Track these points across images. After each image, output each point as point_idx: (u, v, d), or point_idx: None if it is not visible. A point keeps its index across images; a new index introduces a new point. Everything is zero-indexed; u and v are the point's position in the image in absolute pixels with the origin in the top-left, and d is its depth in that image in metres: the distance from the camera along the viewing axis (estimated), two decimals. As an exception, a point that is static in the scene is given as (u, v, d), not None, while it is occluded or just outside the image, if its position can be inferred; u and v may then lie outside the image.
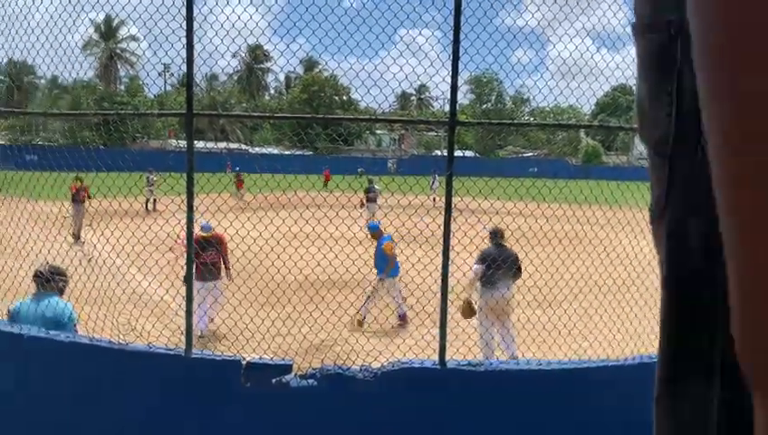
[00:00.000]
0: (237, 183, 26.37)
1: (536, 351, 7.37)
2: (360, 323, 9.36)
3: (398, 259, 9.71)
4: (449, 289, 4.55)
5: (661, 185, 0.78)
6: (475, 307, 7.47)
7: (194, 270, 8.78)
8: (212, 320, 9.10)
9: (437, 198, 22.97)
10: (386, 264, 9.45)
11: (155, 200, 22.45)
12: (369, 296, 9.37)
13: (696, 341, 0.76)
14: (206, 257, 8.82)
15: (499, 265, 7.18)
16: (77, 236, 15.07)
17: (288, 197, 7.27)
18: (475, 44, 4.75)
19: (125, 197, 5.59)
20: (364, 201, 22.53)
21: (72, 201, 15.99)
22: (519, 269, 7.70)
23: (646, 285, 6.52)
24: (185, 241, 4.53)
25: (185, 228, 4.50)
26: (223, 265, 9.37)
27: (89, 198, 15.53)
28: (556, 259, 6.31)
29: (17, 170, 5.71)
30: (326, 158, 52.15)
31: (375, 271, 9.60)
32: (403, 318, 9.49)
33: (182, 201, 4.37)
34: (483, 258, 7.46)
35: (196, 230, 7.74)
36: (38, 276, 5.15)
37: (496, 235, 7.81)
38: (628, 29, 0.85)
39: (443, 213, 4.43)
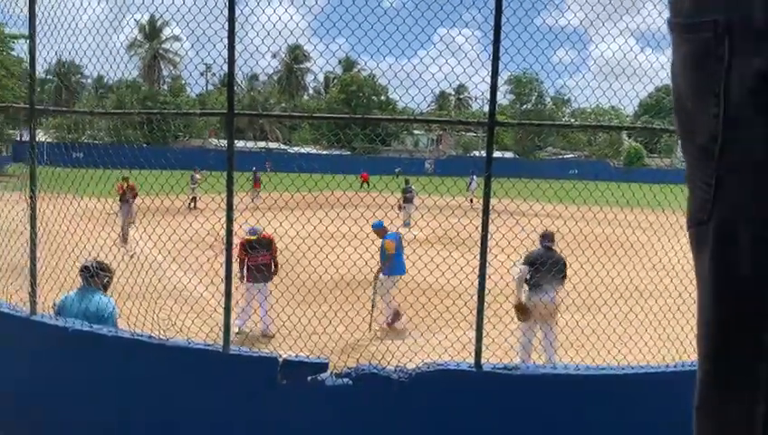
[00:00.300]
0: (255, 183, 26.23)
1: (574, 355, 7.26)
2: (394, 321, 9.39)
3: (404, 258, 9.73)
4: (486, 292, 4.51)
5: (706, 189, 0.76)
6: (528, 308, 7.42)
7: (245, 272, 8.96)
8: (272, 320, 8.88)
9: (475, 200, 22.81)
10: (390, 262, 9.49)
11: (194, 198, 22.85)
12: (385, 296, 9.43)
13: (742, 347, 0.74)
14: (256, 259, 8.90)
15: (548, 268, 7.10)
16: (124, 238, 15.30)
17: (325, 196, 7.32)
18: (515, 44, 4.71)
19: (167, 194, 5.69)
20: (401, 202, 22.50)
21: (120, 201, 15.99)
22: (565, 275, 7.59)
23: (689, 291, 6.36)
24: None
25: (224, 226, 4.56)
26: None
27: (134, 197, 15.76)
28: (596, 263, 6.20)
29: (64, 167, 5.87)
30: (363, 157, 52.35)
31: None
32: (394, 318, 9.42)
33: (222, 199, 4.43)
34: (531, 260, 7.36)
35: (241, 232, 7.83)
36: (84, 271, 5.28)
37: (546, 237, 7.70)
38: (664, 28, 0.82)
39: (480, 214, 4.40)
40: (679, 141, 0.83)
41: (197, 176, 23.82)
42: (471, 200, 22.84)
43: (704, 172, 0.76)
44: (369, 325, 9.05)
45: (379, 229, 9.74)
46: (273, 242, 9.19)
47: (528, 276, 7.34)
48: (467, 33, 5.24)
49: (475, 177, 27.87)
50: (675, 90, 0.81)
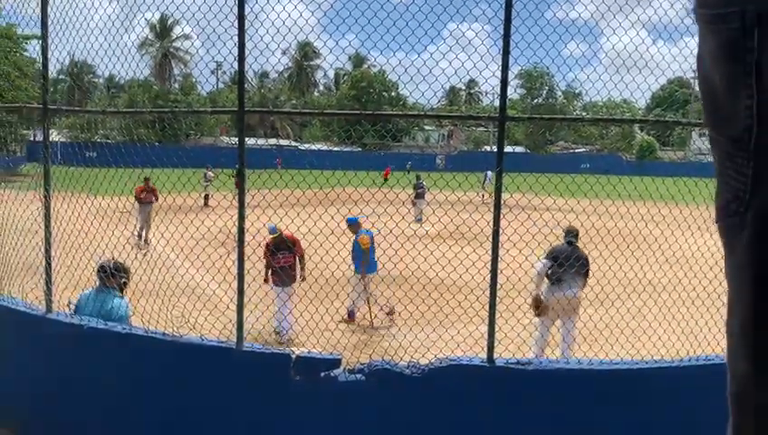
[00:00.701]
0: (236, 181, 25.59)
1: (587, 350, 7.23)
2: (351, 319, 9.24)
3: (375, 257, 9.61)
4: (498, 286, 4.50)
5: (741, 179, 0.75)
6: (546, 303, 7.37)
7: (269, 274, 8.81)
8: (291, 326, 8.53)
9: (487, 195, 22.62)
10: (360, 259, 9.37)
11: (207, 196, 22.97)
12: (351, 293, 9.33)
13: None
14: (279, 260, 8.66)
15: (571, 263, 7.07)
16: (142, 238, 15.22)
17: (337, 193, 7.34)
18: (525, 38, 4.68)
19: (179, 192, 5.73)
20: (413, 198, 22.49)
21: (138, 201, 15.65)
22: (588, 272, 7.54)
23: (703, 284, 6.33)
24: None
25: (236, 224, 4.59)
26: (298, 267, 9.03)
27: (156, 199, 15.62)
28: (609, 257, 6.17)
29: (78, 167, 5.92)
30: (375, 154, 52.34)
31: (353, 266, 9.48)
32: (350, 315, 9.32)
33: (234, 197, 4.45)
34: (553, 255, 7.30)
35: (264, 231, 7.71)
36: (101, 271, 5.32)
37: (570, 233, 7.63)
38: (687, 21, 0.82)
39: (492, 209, 4.39)
40: (707, 133, 0.82)
41: (210, 174, 23.93)
42: (482, 196, 22.76)
43: (738, 163, 0.75)
44: (371, 322, 9.03)
45: (353, 224, 9.66)
46: (298, 243, 8.87)
47: (549, 271, 7.29)
48: (477, 28, 5.22)
49: (489, 172, 27.74)
50: (703, 81, 0.80)
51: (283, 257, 8.76)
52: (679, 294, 6.44)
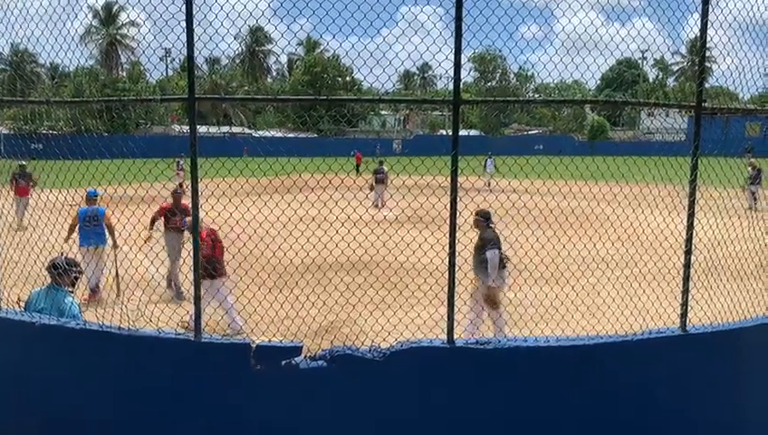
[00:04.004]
0: (177, 172, 24.87)
1: (544, 327, 7.38)
2: (94, 296, 8.99)
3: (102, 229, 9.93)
4: (456, 268, 4.54)
5: None
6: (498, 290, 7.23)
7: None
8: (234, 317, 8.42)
9: (491, 181, 22.25)
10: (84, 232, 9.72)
11: (181, 185, 22.54)
12: (86, 270, 9.17)
13: None
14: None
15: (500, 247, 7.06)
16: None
17: (293, 180, 7.27)
18: (477, 21, 4.69)
19: (136, 183, 5.58)
20: (373, 183, 22.49)
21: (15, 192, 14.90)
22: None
23: (654, 260, 6.51)
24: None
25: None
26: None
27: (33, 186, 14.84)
28: (563, 236, 6.30)
29: (23, 159, 5.72)
30: (331, 140, 52.05)
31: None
32: (94, 292, 9.18)
33: (206, 186, 4.36)
34: (495, 242, 7.22)
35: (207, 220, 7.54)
36: (52, 269, 5.16)
37: (490, 217, 7.54)
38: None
39: (490, 194, 4.40)
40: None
41: (183, 163, 23.30)
42: (488, 183, 22.58)
43: None
44: (117, 293, 9.01)
45: (93, 198, 9.90)
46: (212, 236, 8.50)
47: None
48: (429, 11, 5.20)
49: (489, 161, 27.56)
50: None
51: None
52: (631, 270, 6.63)
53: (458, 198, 4.40)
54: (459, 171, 4.36)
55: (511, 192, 7.16)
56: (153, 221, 10.28)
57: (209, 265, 7.74)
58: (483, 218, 7.33)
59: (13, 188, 15.12)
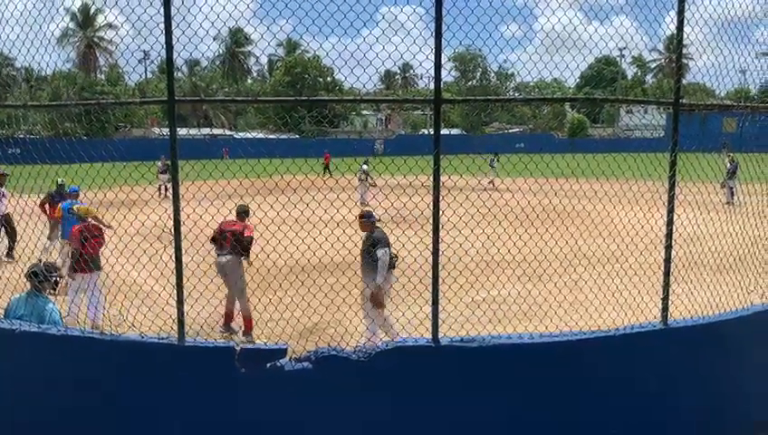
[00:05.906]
0: (158, 172, 24.48)
1: (528, 324, 7.43)
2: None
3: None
4: (440, 267, 4.56)
5: None
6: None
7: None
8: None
9: (496, 181, 22.06)
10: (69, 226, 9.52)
11: (166, 187, 22.27)
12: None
13: None
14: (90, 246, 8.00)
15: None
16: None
17: (275, 181, 7.24)
18: (457, 20, 4.71)
19: (117, 186, 5.53)
20: (357, 182, 22.52)
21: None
22: None
23: (635, 256, 6.58)
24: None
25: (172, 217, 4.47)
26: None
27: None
28: (545, 233, 6.34)
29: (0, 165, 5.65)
30: (313, 141, 51.93)
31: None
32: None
33: (187, 189, 4.31)
34: (385, 242, 7.09)
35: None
36: (33, 277, 5.11)
37: (371, 217, 7.36)
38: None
39: (494, 192, 4.40)
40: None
41: (164, 165, 23.02)
42: (492, 182, 22.44)
43: None
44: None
45: (74, 193, 10.17)
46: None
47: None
48: (409, 11, 5.21)
49: (494, 158, 27.30)
50: None
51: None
52: (613, 266, 6.69)
53: (454, 198, 4.42)
54: (459, 171, 4.38)
55: (492, 190, 7.20)
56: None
57: (76, 259, 7.70)
58: (367, 219, 7.26)
59: None
